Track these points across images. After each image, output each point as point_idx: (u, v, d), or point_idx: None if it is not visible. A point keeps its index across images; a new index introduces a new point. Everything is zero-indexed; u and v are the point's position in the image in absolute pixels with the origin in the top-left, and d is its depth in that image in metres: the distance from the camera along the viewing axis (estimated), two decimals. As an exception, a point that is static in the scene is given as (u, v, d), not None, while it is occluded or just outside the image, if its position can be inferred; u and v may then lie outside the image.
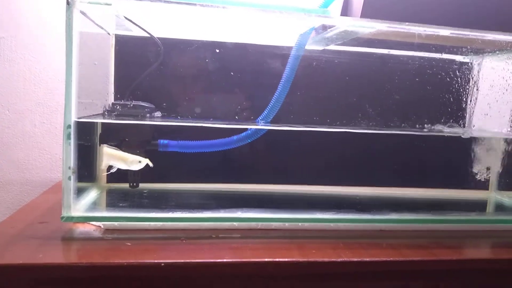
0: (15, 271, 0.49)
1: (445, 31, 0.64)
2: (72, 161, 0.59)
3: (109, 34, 0.80)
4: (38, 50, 0.91)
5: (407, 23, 0.63)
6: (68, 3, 0.58)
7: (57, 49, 0.91)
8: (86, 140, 0.71)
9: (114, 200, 0.74)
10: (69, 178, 0.60)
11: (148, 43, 0.78)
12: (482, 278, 0.61)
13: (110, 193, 0.77)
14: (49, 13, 0.91)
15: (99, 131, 0.74)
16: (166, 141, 0.76)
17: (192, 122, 0.74)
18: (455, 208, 0.80)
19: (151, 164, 0.67)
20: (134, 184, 0.77)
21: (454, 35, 0.65)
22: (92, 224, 0.63)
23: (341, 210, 0.69)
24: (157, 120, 0.75)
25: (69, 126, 0.59)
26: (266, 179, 0.84)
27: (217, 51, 0.79)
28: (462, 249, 0.64)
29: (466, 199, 0.87)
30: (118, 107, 0.75)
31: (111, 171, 0.67)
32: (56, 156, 0.94)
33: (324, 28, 0.71)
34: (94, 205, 0.69)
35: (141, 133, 0.76)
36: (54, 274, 0.50)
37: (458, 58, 0.83)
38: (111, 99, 0.80)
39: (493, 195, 0.88)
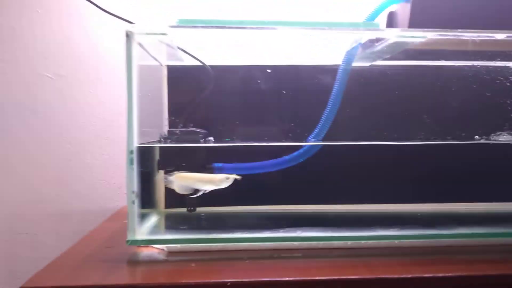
0: (88, 292, 0.51)
1: (500, 35, 0.63)
2: (135, 186, 0.61)
3: (161, 65, 0.83)
4: (96, 84, 0.96)
5: (459, 30, 0.62)
6: (127, 35, 0.61)
7: (113, 83, 0.96)
8: (145, 166, 0.73)
9: (174, 223, 0.75)
10: (133, 202, 0.61)
11: (199, 71, 0.81)
12: None
13: (169, 217, 0.79)
14: (104, 47, 0.96)
15: (157, 157, 0.76)
16: (220, 164, 0.78)
17: (246, 143, 0.75)
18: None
19: (239, 178, 0.67)
20: (192, 208, 0.79)
21: (510, 39, 0.63)
22: (155, 247, 0.64)
23: (405, 226, 0.66)
24: (212, 144, 0.77)
25: (131, 152, 0.61)
26: (321, 199, 0.83)
27: (265, 74, 0.81)
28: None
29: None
30: (173, 134, 0.77)
31: (199, 194, 0.68)
32: (114, 186, 0.98)
33: (372, 42, 0.71)
34: (156, 229, 0.70)
35: (197, 157, 0.77)
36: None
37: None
38: (166, 127, 0.83)
39: None
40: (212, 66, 0.80)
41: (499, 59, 0.77)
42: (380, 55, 0.76)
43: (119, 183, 0.98)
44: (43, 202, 0.97)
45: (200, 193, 0.68)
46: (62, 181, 0.97)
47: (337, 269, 0.55)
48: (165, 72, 0.84)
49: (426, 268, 0.55)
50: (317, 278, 0.53)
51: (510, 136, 0.78)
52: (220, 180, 0.66)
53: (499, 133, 0.78)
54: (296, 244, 0.64)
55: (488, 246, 0.65)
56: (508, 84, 0.78)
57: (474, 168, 0.83)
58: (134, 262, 0.60)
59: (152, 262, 0.60)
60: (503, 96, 0.79)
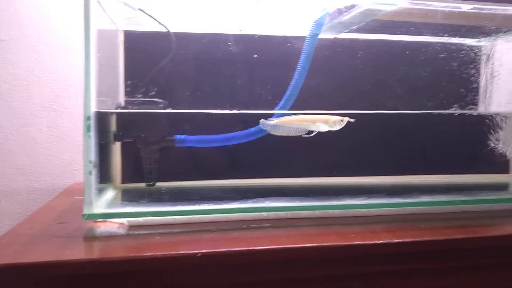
0: (42, 269, 0.46)
1: (466, 6, 0.63)
2: (93, 155, 0.56)
3: (118, 29, 0.77)
4: (42, 51, 0.88)
5: (428, -1, 0.62)
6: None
7: (62, 49, 0.88)
8: (101, 138, 0.68)
9: (134, 198, 0.70)
10: (90, 173, 0.57)
11: (159, 37, 0.76)
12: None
13: (127, 192, 0.74)
14: (53, 9, 0.88)
15: (113, 128, 0.71)
16: (182, 136, 0.74)
17: (210, 110, 0.71)
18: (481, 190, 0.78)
19: (352, 120, 0.65)
20: (151, 183, 0.74)
21: (475, 11, 0.64)
22: (114, 222, 0.60)
23: (371, 196, 0.67)
24: (175, 110, 0.73)
25: (88, 118, 0.56)
26: (287, 172, 0.82)
27: (229, 43, 0.78)
28: (501, 227, 0.62)
29: (489, 183, 0.85)
30: (131, 104, 0.72)
31: (312, 134, 0.66)
32: (65, 162, 0.91)
33: (340, 11, 0.70)
34: (114, 203, 0.66)
35: (157, 128, 0.73)
36: (84, 270, 0.47)
37: (474, 41, 0.83)
38: (122, 96, 0.78)
39: (515, 178, 0.87)
40: (174, 33, 0.75)
41: (464, 34, 0.79)
42: (348, 25, 0.75)
43: (69, 158, 0.91)
44: (-18, 179, 0.89)
45: (312, 134, 0.66)
46: (4, 156, 0.88)
47: (308, 237, 0.54)
48: (121, 37, 0.78)
49: (395, 233, 0.56)
50: (288, 246, 0.51)
51: (466, 110, 0.81)
52: (334, 122, 0.65)
53: (461, 107, 0.81)
54: (264, 215, 0.62)
55: (449, 214, 0.67)
56: (468, 59, 0.80)
57: (434, 141, 0.85)
58: (91, 237, 0.55)
59: (112, 237, 0.55)
60: (464, 71, 0.81)
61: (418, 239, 0.54)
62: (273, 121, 0.67)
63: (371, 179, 0.80)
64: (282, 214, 0.63)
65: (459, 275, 0.58)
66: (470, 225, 0.60)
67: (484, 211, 0.69)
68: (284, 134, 0.67)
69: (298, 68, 0.73)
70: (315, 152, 0.83)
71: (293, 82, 0.73)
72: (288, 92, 0.73)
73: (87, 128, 0.56)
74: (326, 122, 0.65)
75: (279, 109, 0.73)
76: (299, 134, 0.67)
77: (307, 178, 0.81)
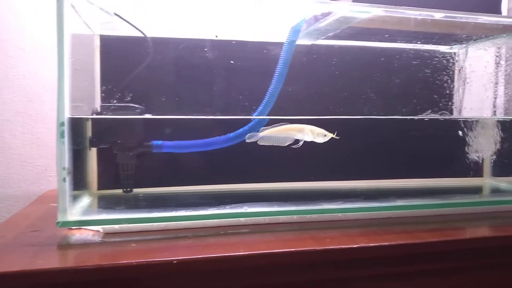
0: (13, 278, 0.45)
1: (439, 14, 0.65)
2: (66, 161, 0.55)
3: (94, 33, 0.76)
4: (17, 56, 0.86)
5: (402, 7, 0.63)
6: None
7: (37, 54, 0.87)
8: (76, 144, 0.67)
9: (110, 204, 0.69)
10: (64, 180, 0.55)
11: (136, 42, 0.75)
12: (493, 253, 0.61)
13: (103, 199, 0.73)
14: (28, 14, 0.86)
15: (89, 134, 0.70)
16: (160, 142, 0.73)
17: (187, 116, 0.71)
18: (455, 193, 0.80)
19: (336, 137, 0.67)
20: (128, 189, 0.74)
21: (447, 19, 0.66)
22: (89, 229, 0.59)
23: (348, 200, 0.67)
24: (152, 116, 0.72)
25: (62, 124, 0.55)
26: (265, 177, 0.82)
27: (206, 49, 0.78)
28: (472, 229, 0.63)
29: (464, 186, 0.87)
30: (107, 109, 0.71)
31: (299, 144, 0.67)
32: (39, 168, 0.89)
33: (316, 18, 0.71)
34: (90, 210, 0.65)
35: (133, 134, 0.72)
36: (58, 279, 0.46)
37: (446, 48, 0.85)
38: (98, 102, 0.77)
39: (488, 181, 0.89)
40: (151, 38, 0.75)
41: (437, 41, 0.81)
42: (325, 32, 0.76)
43: (44, 164, 0.89)
44: (-48, 187, 0.86)
45: (300, 144, 0.67)
46: (-25, 163, 0.86)
47: (285, 243, 0.54)
48: (97, 42, 0.77)
49: (371, 238, 0.56)
50: (265, 251, 0.51)
51: (439, 116, 0.83)
52: (318, 134, 0.67)
53: (436, 112, 0.82)
54: (242, 220, 0.62)
55: (424, 217, 0.68)
56: (441, 66, 0.82)
57: (409, 146, 0.87)
58: (65, 245, 0.54)
59: (86, 244, 0.54)
60: (437, 77, 0.83)
61: (393, 243, 0.55)
62: (262, 133, 0.68)
63: (347, 184, 0.81)
64: (260, 219, 0.63)
65: (433, 278, 0.59)
66: (444, 228, 0.61)
67: (457, 214, 0.70)
68: (274, 144, 0.68)
69: (276, 74, 0.73)
70: (292, 157, 0.83)
71: (271, 88, 0.73)
72: (266, 98, 0.73)
73: (61, 134, 0.55)
74: (311, 132, 0.67)
75: (257, 115, 0.73)
76: (286, 144, 0.68)
77: (285, 183, 0.81)
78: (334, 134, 0.67)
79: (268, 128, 0.68)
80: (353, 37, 0.82)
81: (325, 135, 0.67)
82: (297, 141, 0.68)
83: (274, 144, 0.68)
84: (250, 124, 0.73)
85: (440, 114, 0.83)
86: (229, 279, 0.52)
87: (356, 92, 0.82)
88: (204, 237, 0.57)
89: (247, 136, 0.69)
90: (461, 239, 0.58)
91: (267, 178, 0.81)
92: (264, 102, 0.73)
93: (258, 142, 0.68)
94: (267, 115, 0.73)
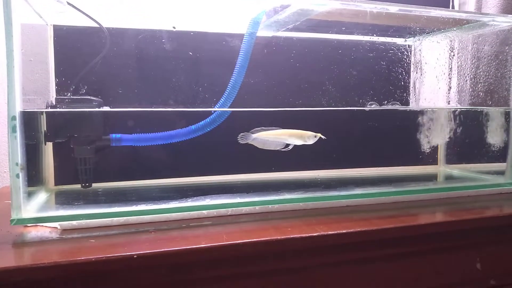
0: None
1: (393, 8, 0.67)
2: (20, 157, 0.53)
3: (47, 24, 0.73)
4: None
5: (359, 0, 0.65)
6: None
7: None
8: (30, 138, 0.65)
9: (67, 200, 0.68)
10: (17, 176, 0.54)
11: (92, 33, 0.73)
12: (446, 237, 0.64)
13: (60, 194, 0.71)
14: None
15: (44, 128, 0.68)
16: (119, 135, 0.72)
17: (146, 108, 0.70)
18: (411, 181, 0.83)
19: (324, 137, 0.71)
20: (87, 184, 0.72)
21: (401, 12, 0.68)
22: (46, 226, 0.57)
23: (308, 189, 0.69)
24: (109, 109, 0.71)
25: (13, 118, 0.53)
26: (227, 169, 0.82)
27: (166, 40, 0.77)
28: (426, 215, 0.66)
29: (419, 174, 0.91)
30: (62, 102, 0.69)
31: (289, 148, 0.71)
32: (-10, 164, 0.85)
33: (276, 11, 0.71)
34: (46, 206, 0.63)
35: (91, 127, 0.70)
36: (13, 278, 0.44)
37: (401, 41, 0.87)
38: (53, 95, 0.74)
39: (442, 169, 0.94)
40: (107, 28, 0.73)
41: (392, 34, 0.83)
42: (284, 24, 0.76)
43: (-5, 161, 0.85)
44: None
45: (290, 147, 0.71)
46: None
47: (247, 233, 0.55)
48: (51, 32, 0.74)
49: (330, 226, 0.58)
50: (227, 243, 0.52)
51: (397, 106, 0.86)
52: (308, 136, 0.70)
53: (388, 102, 0.85)
54: (205, 212, 0.62)
55: (381, 205, 0.70)
56: (396, 58, 0.85)
57: (367, 136, 0.89)
58: (21, 243, 0.52)
59: (43, 242, 0.53)
60: (392, 69, 0.85)
61: (351, 230, 0.56)
62: (255, 134, 0.71)
63: (308, 174, 0.83)
64: (222, 211, 0.63)
65: (389, 263, 0.61)
66: (399, 215, 0.64)
67: (413, 201, 0.73)
68: (265, 147, 0.72)
69: (237, 66, 0.73)
70: (254, 149, 0.84)
71: (232, 80, 0.73)
72: (227, 90, 0.73)
73: (13, 129, 0.53)
74: (301, 137, 0.71)
75: (219, 107, 0.73)
76: (277, 148, 0.72)
77: (247, 174, 0.82)
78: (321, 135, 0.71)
79: (259, 131, 0.71)
80: (312, 30, 0.83)
81: (315, 136, 0.71)
82: (287, 145, 0.71)
83: (265, 148, 0.72)
84: (211, 117, 0.73)
85: (392, 105, 0.86)
86: (192, 272, 0.52)
87: (315, 84, 0.84)
88: (166, 231, 0.57)
89: (239, 136, 0.71)
90: (416, 225, 0.60)
91: (230, 170, 0.82)
92: (225, 94, 0.73)
93: (249, 142, 0.71)
94: (229, 107, 0.73)
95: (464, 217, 0.64)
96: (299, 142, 0.71)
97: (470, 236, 0.66)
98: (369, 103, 0.84)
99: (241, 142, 0.71)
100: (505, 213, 0.68)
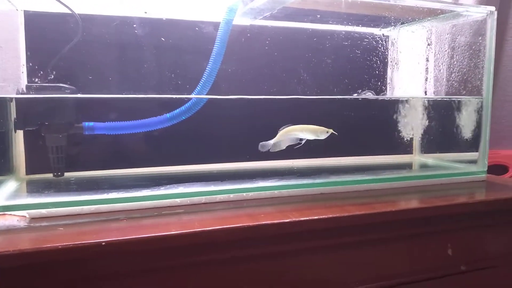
0: None
1: (368, -4, 0.67)
2: (-15, 144, 0.52)
3: (17, 9, 0.72)
4: None
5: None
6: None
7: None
8: (-1, 126, 0.63)
9: (38, 189, 0.66)
10: (-17, 164, 0.52)
11: (64, 19, 0.72)
12: (419, 224, 0.65)
13: (31, 183, 0.70)
14: None
15: (13, 115, 0.66)
16: (91, 123, 0.71)
17: (120, 95, 0.69)
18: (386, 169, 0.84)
19: (336, 133, 0.72)
20: (59, 173, 0.71)
21: (376, 1, 0.68)
22: (14, 214, 0.56)
23: (283, 177, 0.69)
24: (80, 95, 0.69)
25: (-22, 104, 0.51)
26: (203, 158, 0.82)
27: (137, 26, 0.75)
28: (399, 202, 0.67)
29: (394, 163, 0.92)
30: (33, 89, 0.67)
31: (302, 143, 0.72)
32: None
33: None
34: (15, 195, 0.61)
35: (63, 115, 0.69)
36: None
37: (377, 30, 0.88)
38: (24, 82, 0.72)
39: (417, 158, 0.95)
40: (80, 15, 0.71)
41: (367, 23, 0.83)
42: (260, 12, 0.76)
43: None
44: None
45: (302, 143, 0.72)
46: None
47: (219, 221, 0.55)
48: (22, 18, 0.72)
49: (303, 212, 0.58)
50: (198, 230, 0.51)
51: (372, 95, 0.86)
52: (321, 132, 0.71)
53: (362, 91, 0.85)
54: (178, 201, 0.62)
55: (355, 192, 0.71)
56: (371, 47, 0.85)
57: (343, 125, 0.89)
58: (-13, 232, 0.51)
59: (10, 230, 0.52)
60: (367, 58, 0.86)
61: (323, 216, 0.57)
62: (272, 140, 0.72)
63: (284, 163, 0.83)
64: (196, 199, 0.63)
65: (362, 249, 0.62)
66: (371, 202, 0.64)
67: (387, 189, 0.74)
68: (283, 148, 0.73)
69: (213, 54, 0.72)
70: (230, 137, 0.84)
71: (208, 68, 0.72)
72: (204, 78, 0.72)
73: (-23, 115, 0.51)
74: (314, 131, 0.72)
75: (196, 94, 0.72)
76: (293, 144, 0.73)
77: (223, 163, 0.82)
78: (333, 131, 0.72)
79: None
80: (289, 18, 0.83)
81: (327, 132, 0.71)
82: (301, 140, 0.72)
83: (282, 148, 0.73)
84: (186, 105, 0.72)
85: (365, 94, 0.86)
86: (162, 259, 0.52)
87: (290, 72, 0.83)
88: (138, 219, 0.56)
89: (260, 145, 0.72)
90: (388, 211, 0.61)
91: (205, 159, 0.81)
92: (202, 82, 0.72)
93: (270, 150, 0.72)
94: (206, 94, 0.72)
95: (436, 203, 0.65)
96: (311, 137, 0.72)
97: (442, 222, 0.67)
98: (364, 92, 0.85)
99: (262, 150, 0.72)
100: (476, 200, 0.70)
